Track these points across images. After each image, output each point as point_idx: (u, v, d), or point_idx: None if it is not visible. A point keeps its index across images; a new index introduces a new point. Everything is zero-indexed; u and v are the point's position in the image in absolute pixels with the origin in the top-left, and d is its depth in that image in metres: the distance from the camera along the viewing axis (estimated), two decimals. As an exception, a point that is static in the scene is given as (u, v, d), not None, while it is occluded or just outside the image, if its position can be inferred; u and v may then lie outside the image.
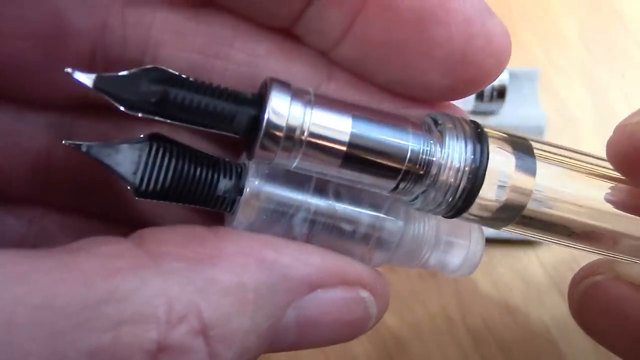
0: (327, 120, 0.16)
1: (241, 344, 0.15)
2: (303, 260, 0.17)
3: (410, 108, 0.19)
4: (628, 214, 0.19)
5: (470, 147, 0.17)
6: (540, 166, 0.18)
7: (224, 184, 0.17)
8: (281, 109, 0.16)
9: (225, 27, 0.18)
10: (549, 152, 0.18)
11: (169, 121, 0.16)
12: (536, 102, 0.36)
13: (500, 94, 0.34)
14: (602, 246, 0.20)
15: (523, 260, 0.34)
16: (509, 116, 0.35)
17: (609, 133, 0.19)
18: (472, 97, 0.34)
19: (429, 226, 0.19)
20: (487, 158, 0.17)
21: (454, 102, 0.20)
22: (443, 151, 0.17)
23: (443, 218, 0.18)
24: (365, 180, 0.17)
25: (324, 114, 0.16)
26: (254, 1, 0.18)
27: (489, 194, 0.17)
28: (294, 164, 0.17)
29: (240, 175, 0.18)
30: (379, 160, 0.17)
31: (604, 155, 0.19)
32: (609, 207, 0.19)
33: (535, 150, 0.18)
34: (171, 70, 0.16)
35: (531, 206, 0.18)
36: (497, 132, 0.18)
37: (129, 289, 0.14)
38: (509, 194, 0.17)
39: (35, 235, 0.20)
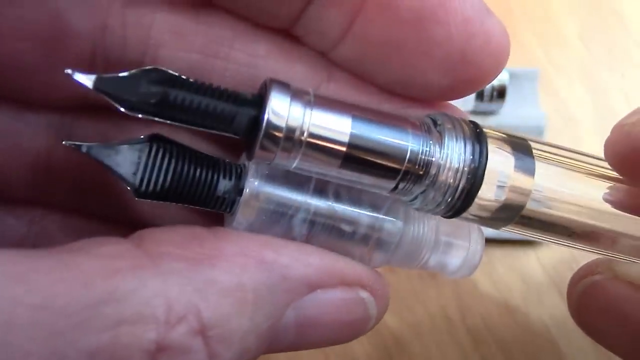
0: (326, 120, 0.16)
1: (240, 345, 0.15)
2: (302, 260, 0.17)
3: (410, 108, 0.19)
4: (627, 214, 0.19)
5: (469, 148, 0.17)
6: (540, 166, 0.18)
7: (224, 184, 0.17)
8: (281, 109, 0.16)
9: (225, 28, 0.18)
10: (548, 152, 0.18)
11: (168, 122, 0.16)
12: (536, 102, 0.36)
13: (500, 94, 0.34)
14: (601, 246, 0.20)
15: (523, 260, 0.34)
16: (509, 116, 0.35)
17: (608, 133, 0.19)
18: (472, 97, 0.34)
19: (429, 227, 0.19)
20: (486, 158, 0.17)
21: (454, 102, 0.20)
22: (442, 151, 0.17)
23: (442, 219, 0.19)
24: (365, 180, 0.17)
25: (323, 114, 0.16)
26: (254, 1, 0.18)
27: (488, 194, 0.17)
28: (294, 165, 0.17)
29: (240, 176, 0.18)
30: (378, 161, 0.17)
31: (603, 155, 0.19)
32: (608, 207, 0.19)
33: (534, 151, 0.18)
34: (171, 71, 0.16)
35: (530, 206, 0.18)
36: (496, 133, 0.18)
37: (128, 290, 0.14)
38: (508, 194, 0.17)
39: (36, 236, 0.20)
